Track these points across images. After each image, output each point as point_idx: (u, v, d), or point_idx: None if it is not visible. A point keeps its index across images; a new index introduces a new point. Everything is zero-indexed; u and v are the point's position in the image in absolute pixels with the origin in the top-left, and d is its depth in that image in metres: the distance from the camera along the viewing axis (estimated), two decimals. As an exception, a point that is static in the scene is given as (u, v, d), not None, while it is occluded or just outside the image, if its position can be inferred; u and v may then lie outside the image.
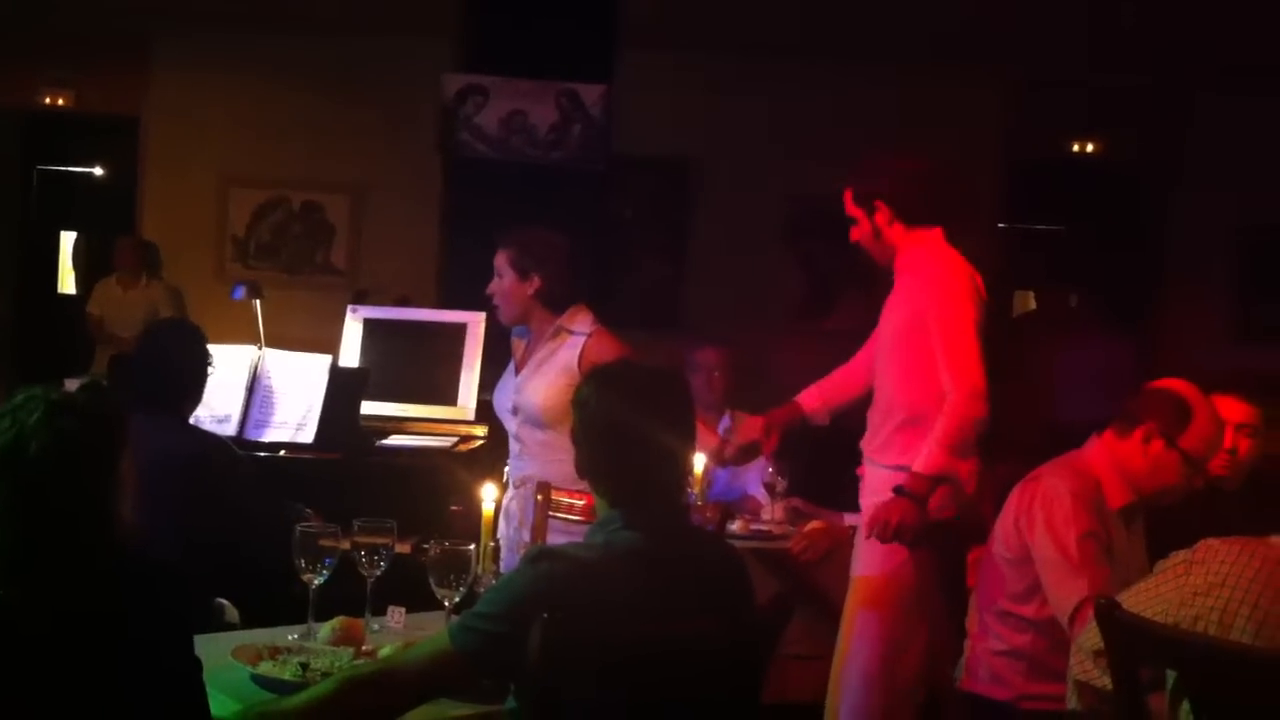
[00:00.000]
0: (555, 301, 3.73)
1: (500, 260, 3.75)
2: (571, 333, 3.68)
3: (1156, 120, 8.53)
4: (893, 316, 3.55)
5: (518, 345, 3.86)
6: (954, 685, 3.40)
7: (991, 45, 7.73)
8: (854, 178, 3.59)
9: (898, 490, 3.35)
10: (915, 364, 3.44)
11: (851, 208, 3.57)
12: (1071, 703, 2.66)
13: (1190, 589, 2.40)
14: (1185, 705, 2.34)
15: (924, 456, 3.34)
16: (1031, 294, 10.03)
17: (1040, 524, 3.07)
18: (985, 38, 7.61)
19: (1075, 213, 9.26)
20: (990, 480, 4.71)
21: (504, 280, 3.74)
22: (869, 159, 3.67)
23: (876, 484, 3.50)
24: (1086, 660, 2.58)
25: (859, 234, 3.58)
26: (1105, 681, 2.50)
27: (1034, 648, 3.11)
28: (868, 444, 3.59)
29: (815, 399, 3.79)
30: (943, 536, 3.80)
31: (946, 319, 3.39)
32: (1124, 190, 8.93)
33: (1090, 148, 8.91)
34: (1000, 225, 8.95)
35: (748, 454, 3.89)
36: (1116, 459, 3.14)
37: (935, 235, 3.53)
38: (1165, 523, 3.19)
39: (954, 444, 3.34)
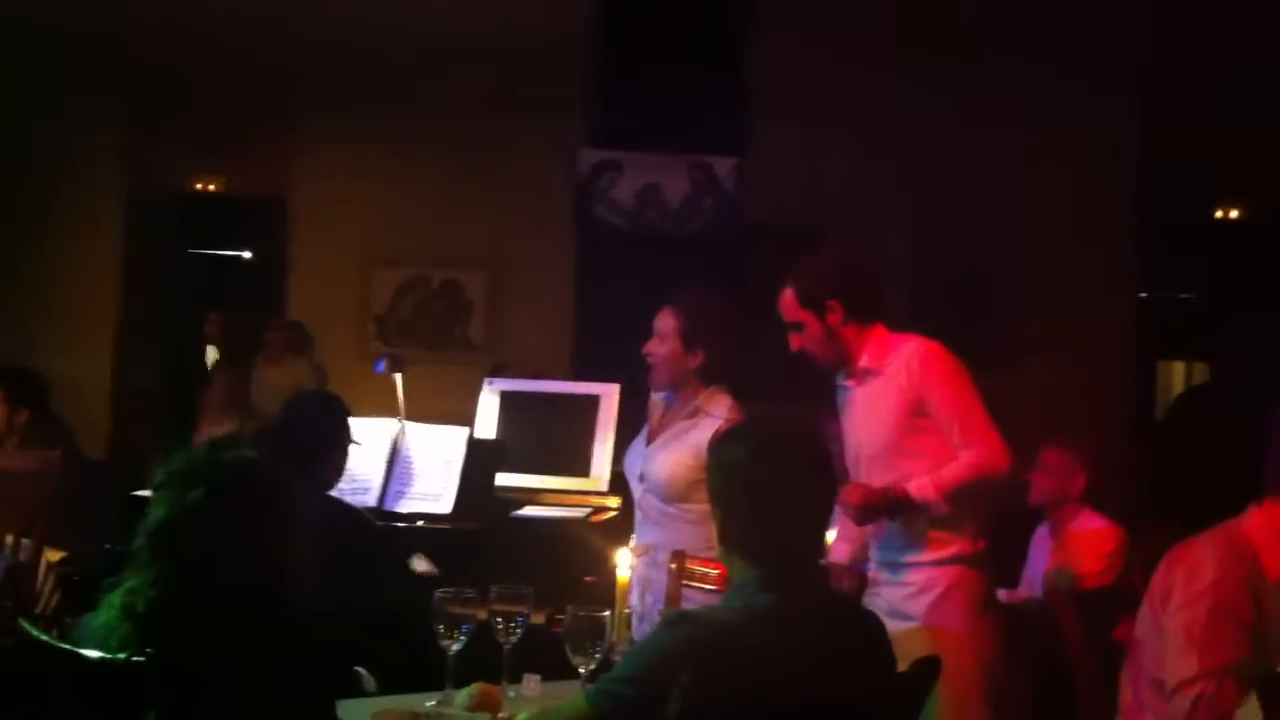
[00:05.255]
0: (713, 377, 3.69)
1: (666, 324, 3.70)
2: (709, 414, 3.64)
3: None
4: (879, 416, 3.36)
5: (656, 406, 3.84)
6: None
7: (1120, 109, 7.62)
8: (801, 280, 3.42)
9: (886, 490, 3.23)
10: (926, 453, 3.28)
11: (796, 311, 3.42)
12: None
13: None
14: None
15: (923, 483, 3.21)
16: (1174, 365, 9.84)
17: (1179, 589, 2.97)
18: (1112, 101, 7.51)
19: (1215, 277, 9.01)
20: (1139, 550, 4.58)
21: (665, 345, 3.69)
22: (812, 262, 3.48)
23: (930, 582, 3.31)
24: (1247, 736, 2.47)
25: (806, 338, 3.42)
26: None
27: None
28: (889, 550, 3.38)
29: (846, 549, 3.59)
30: (1090, 610, 3.69)
31: (948, 393, 3.27)
32: (1266, 252, 8.67)
33: (1235, 214, 8.69)
34: (1141, 295, 8.77)
35: None
36: (1278, 528, 3.02)
37: (882, 330, 3.41)
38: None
39: (959, 488, 3.20)
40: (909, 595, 3.33)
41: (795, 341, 3.46)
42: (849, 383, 3.48)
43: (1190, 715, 2.74)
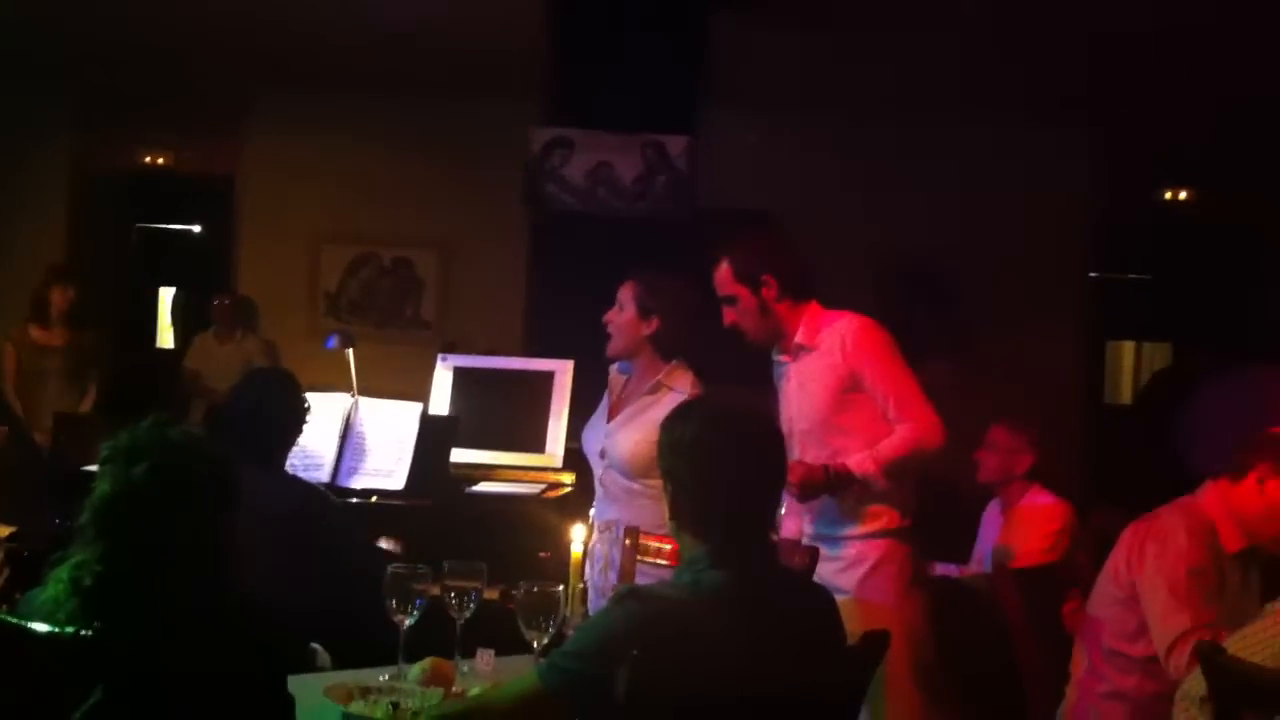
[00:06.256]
0: (666, 348, 3.72)
1: (625, 292, 3.75)
2: (671, 389, 3.66)
3: (1249, 169, 8.40)
4: (812, 391, 3.46)
5: (616, 382, 3.85)
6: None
7: (1080, 97, 7.68)
8: (737, 255, 3.50)
9: (826, 468, 3.32)
10: (857, 428, 3.39)
11: (732, 285, 3.49)
12: (1175, 751, 2.59)
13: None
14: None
15: (862, 458, 3.32)
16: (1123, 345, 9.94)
17: (1151, 558, 3.04)
18: (1073, 90, 7.56)
19: (1166, 263, 9.13)
20: (1085, 530, 4.64)
21: (624, 313, 3.74)
22: (748, 238, 3.59)
23: (860, 556, 3.39)
24: (1192, 707, 2.52)
25: (740, 312, 3.50)
26: (1211, 729, 2.44)
27: (1139, 691, 3.05)
28: (822, 524, 3.46)
29: (797, 524, 3.61)
30: (1035, 586, 3.73)
31: (882, 369, 3.38)
32: (1218, 240, 8.79)
33: (1183, 195, 8.79)
34: (1092, 275, 8.86)
35: None
36: (1231, 504, 3.09)
37: (816, 306, 3.51)
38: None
39: (897, 461, 3.32)
40: (840, 569, 3.41)
41: (729, 316, 3.53)
42: (783, 358, 3.56)
43: (1190, 666, 2.78)
